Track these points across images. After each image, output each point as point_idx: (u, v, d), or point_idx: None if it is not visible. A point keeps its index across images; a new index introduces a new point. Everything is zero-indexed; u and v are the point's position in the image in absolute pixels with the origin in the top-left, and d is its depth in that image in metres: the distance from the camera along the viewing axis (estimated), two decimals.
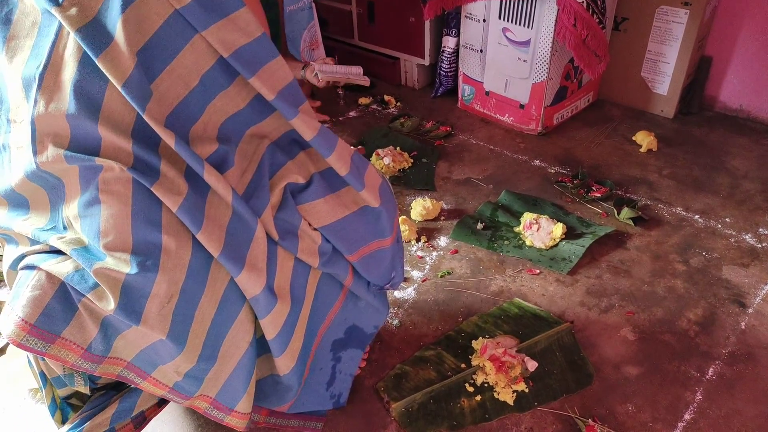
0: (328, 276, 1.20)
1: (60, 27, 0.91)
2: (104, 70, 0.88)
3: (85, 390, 1.11)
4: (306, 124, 1.02)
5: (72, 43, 0.90)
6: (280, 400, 1.25)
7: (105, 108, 0.92)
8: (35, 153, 0.92)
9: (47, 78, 0.91)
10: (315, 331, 1.23)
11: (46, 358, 1.00)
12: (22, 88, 0.94)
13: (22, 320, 0.88)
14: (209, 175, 0.96)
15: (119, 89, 0.89)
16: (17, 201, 1.00)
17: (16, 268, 0.97)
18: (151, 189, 0.92)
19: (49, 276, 0.91)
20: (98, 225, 0.91)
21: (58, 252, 0.95)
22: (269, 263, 1.04)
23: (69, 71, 0.90)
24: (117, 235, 0.91)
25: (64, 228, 0.96)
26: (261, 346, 1.13)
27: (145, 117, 0.91)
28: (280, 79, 1.00)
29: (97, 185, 0.91)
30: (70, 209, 0.95)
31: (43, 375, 1.11)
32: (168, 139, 0.93)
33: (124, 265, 0.90)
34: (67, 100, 0.90)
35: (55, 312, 0.90)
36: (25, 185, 0.97)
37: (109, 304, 0.89)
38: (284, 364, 1.14)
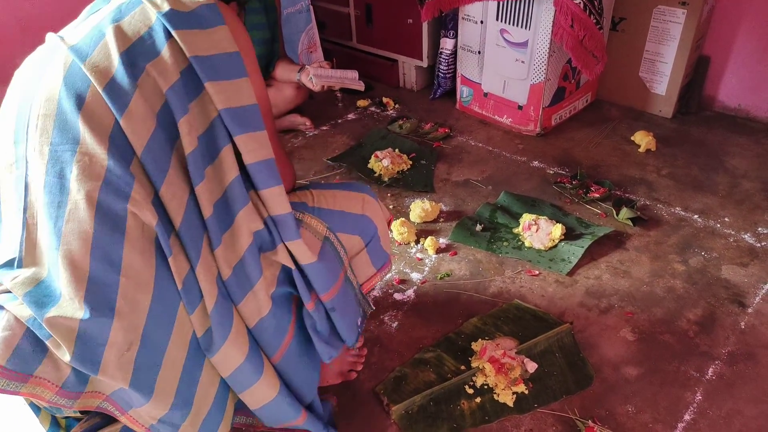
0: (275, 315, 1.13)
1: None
2: (89, 76, 0.91)
3: (76, 414, 1.07)
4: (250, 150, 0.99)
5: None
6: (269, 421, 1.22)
7: (87, 105, 0.92)
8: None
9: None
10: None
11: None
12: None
13: None
14: (166, 189, 0.93)
15: (100, 92, 0.90)
16: None
17: None
18: (128, 205, 0.89)
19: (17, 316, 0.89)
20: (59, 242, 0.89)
21: None
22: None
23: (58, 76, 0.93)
24: (75, 266, 0.88)
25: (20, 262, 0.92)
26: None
27: (122, 122, 0.90)
28: (238, 98, 0.96)
29: (64, 216, 0.88)
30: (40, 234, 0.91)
31: (33, 404, 1.07)
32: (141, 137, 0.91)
33: (77, 310, 0.87)
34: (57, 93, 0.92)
35: (26, 352, 0.88)
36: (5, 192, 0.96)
37: (64, 355, 0.86)
38: (249, 401, 1.11)
